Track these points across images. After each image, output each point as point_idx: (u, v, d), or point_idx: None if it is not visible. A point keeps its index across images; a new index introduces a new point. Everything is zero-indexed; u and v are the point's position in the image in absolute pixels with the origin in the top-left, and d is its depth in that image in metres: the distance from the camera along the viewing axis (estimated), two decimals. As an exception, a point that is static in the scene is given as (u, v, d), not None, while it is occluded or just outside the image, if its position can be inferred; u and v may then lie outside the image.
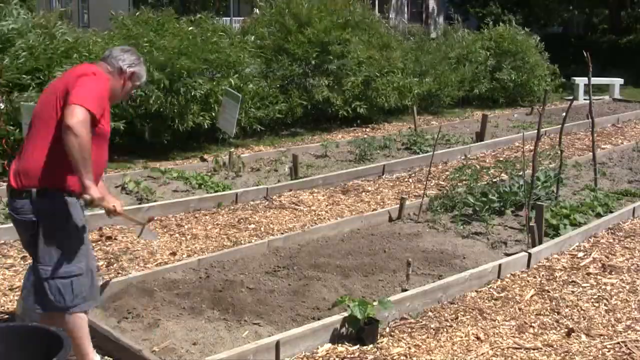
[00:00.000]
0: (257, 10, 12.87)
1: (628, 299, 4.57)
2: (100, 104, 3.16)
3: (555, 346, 3.89)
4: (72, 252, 3.22)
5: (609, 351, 3.85)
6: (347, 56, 11.11)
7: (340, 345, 3.85)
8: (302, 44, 10.75)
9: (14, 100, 7.37)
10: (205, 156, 8.93)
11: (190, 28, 9.50)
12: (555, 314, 4.32)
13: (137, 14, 10.01)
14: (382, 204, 6.90)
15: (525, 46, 14.53)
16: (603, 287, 4.77)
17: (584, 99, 14.08)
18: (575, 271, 5.06)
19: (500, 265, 4.89)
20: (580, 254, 5.42)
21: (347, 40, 11.19)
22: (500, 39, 14.62)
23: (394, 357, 3.74)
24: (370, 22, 12.25)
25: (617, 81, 16.13)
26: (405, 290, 4.50)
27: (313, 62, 10.82)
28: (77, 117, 2.98)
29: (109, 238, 5.68)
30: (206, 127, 9.05)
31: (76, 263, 3.22)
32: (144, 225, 3.77)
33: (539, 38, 15.27)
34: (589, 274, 5.02)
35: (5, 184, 6.95)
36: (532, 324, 4.16)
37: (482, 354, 3.79)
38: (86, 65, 3.58)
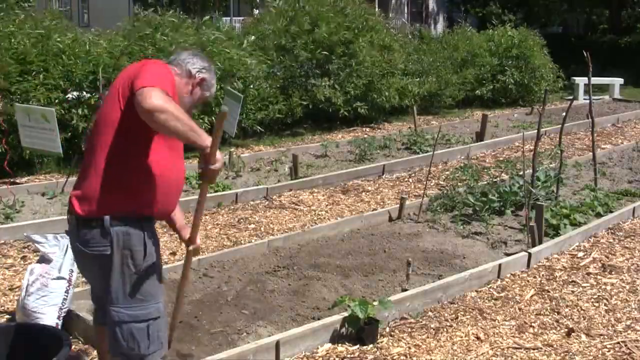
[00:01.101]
0: (257, 12, 12.81)
1: (628, 299, 4.57)
2: (169, 88, 2.61)
3: (555, 346, 3.89)
4: (150, 291, 2.75)
5: (609, 351, 3.85)
6: (351, 57, 11.10)
7: (340, 345, 3.85)
8: (308, 45, 10.75)
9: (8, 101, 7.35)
10: (205, 156, 8.90)
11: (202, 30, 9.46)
12: (555, 313, 4.32)
13: (139, 14, 9.95)
14: (382, 203, 6.90)
15: (533, 49, 14.51)
16: (603, 287, 4.77)
17: (584, 99, 14.07)
18: (575, 271, 5.06)
19: (500, 265, 4.89)
20: (580, 254, 5.42)
21: (351, 42, 11.20)
22: (510, 41, 14.55)
23: (394, 357, 3.74)
24: (374, 23, 12.24)
25: (617, 81, 16.13)
26: (405, 290, 4.50)
27: (315, 62, 10.80)
28: (150, 96, 2.44)
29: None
30: (204, 130, 9.02)
31: (154, 304, 2.76)
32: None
33: (545, 42, 15.25)
34: (589, 273, 5.02)
35: (4, 185, 7.02)
36: (532, 324, 4.16)
37: (482, 353, 3.79)
38: (148, 60, 2.99)
